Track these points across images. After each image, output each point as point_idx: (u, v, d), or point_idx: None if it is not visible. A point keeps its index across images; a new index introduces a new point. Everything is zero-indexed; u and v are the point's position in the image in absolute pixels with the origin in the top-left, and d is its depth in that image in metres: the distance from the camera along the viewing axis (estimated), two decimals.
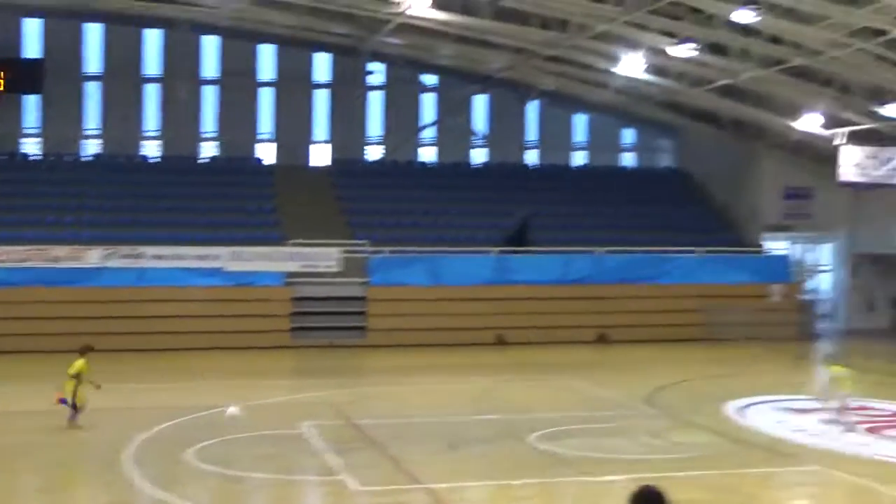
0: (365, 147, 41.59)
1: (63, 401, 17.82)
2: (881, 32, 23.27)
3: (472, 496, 14.07)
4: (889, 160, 29.74)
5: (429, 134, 42.21)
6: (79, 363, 17.93)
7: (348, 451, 16.34)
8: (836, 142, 31.35)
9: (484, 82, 40.17)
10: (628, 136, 44.84)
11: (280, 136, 40.41)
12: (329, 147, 40.86)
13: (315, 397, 22.01)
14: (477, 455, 16.31)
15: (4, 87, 36.03)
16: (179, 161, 38.02)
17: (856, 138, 31.38)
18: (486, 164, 41.47)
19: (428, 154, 42.21)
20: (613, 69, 31.04)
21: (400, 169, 39.83)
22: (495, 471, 15.16)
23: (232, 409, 18.45)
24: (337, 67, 40.63)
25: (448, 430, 18.05)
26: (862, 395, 22.51)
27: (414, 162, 40.85)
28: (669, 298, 33.92)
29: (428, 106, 42.37)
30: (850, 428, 17.96)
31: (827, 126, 31.69)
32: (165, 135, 39.42)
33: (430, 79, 42.16)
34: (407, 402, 21.82)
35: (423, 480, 14.27)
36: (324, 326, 31.92)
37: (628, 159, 44.69)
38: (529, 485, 14.31)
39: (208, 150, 40.03)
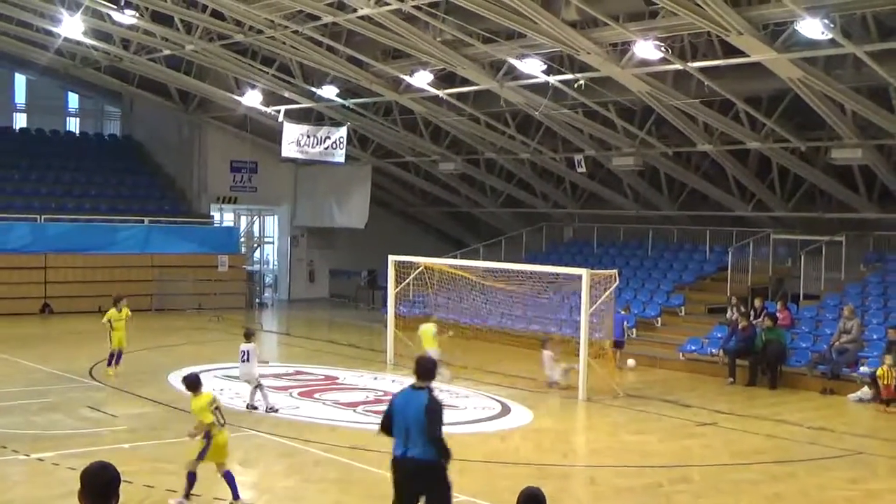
0: None
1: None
2: (315, 17, 24.58)
3: None
4: (325, 139, 31.61)
5: None
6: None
7: None
8: (279, 119, 32.69)
9: None
10: (73, 100, 43.30)
11: None
12: None
13: None
14: None
15: None
16: None
17: (295, 116, 32.96)
18: None
19: None
20: (54, 29, 29.70)
21: None
22: None
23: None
24: None
25: None
26: (301, 361, 24.02)
27: None
28: (118, 268, 33.43)
29: None
30: None
31: (268, 103, 32.94)
32: None
33: None
34: None
35: None
36: None
37: (73, 124, 43.17)
38: None
39: None
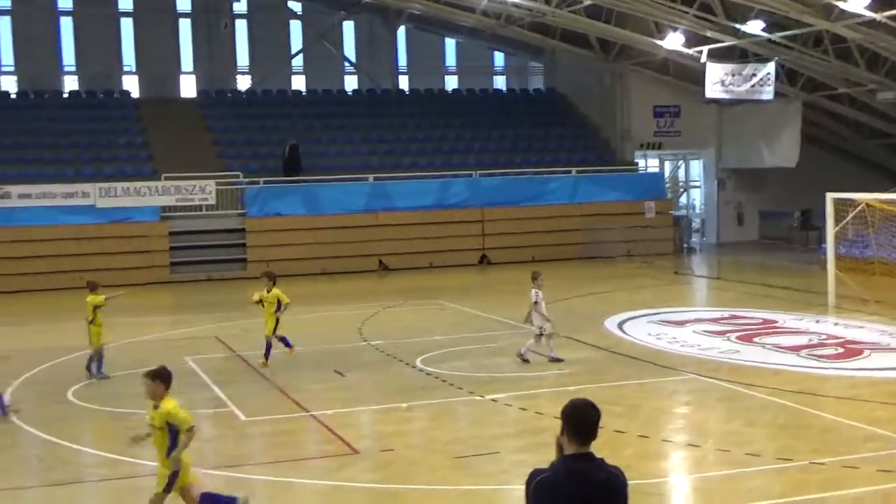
0: (236, 77, 40.88)
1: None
2: None
3: (359, 421, 14.20)
4: (751, 76, 30.52)
5: (298, 62, 41.69)
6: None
7: (235, 382, 16.34)
8: (701, 60, 31.98)
9: (351, 8, 39.70)
10: (499, 59, 45.05)
11: (144, 68, 39.38)
12: (193, 78, 40.11)
13: (199, 331, 21.82)
14: (364, 380, 16.44)
15: None
16: (39, 96, 36.68)
17: (718, 56, 32.07)
18: (357, 91, 41.13)
19: (298, 82, 41.68)
20: None
21: (271, 98, 39.21)
22: (382, 395, 15.32)
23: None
24: None
25: (335, 358, 18.14)
26: (735, 306, 23.49)
27: (285, 91, 40.26)
28: (548, 219, 34.47)
29: (295, 34, 41.80)
30: None
31: (689, 45, 32.28)
32: (22, 69, 38.13)
33: (295, 6, 41.56)
34: (292, 331, 21.65)
35: (310, 408, 14.34)
36: (203, 260, 31.67)
37: (500, 82, 44.93)
38: (416, 407, 14.52)
39: (70, 83, 38.87)
